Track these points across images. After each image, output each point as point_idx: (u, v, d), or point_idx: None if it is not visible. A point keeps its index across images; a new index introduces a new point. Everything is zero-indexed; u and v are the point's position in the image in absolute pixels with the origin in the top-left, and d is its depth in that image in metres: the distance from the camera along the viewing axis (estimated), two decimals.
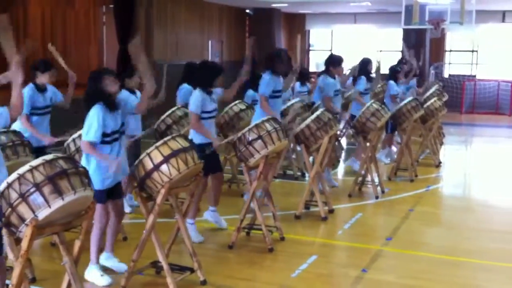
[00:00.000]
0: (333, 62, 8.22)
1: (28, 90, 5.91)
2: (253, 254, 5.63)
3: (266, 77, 6.77)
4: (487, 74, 20.36)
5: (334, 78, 8.17)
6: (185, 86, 7.55)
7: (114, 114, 4.61)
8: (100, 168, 4.51)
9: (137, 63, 4.64)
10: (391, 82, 10.03)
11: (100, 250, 5.17)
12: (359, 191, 8.13)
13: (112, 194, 4.72)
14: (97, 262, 4.82)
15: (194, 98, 5.72)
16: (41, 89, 6.07)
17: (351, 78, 9.67)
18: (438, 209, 7.89)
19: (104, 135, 4.53)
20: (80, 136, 5.44)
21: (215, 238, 6.10)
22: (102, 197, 4.57)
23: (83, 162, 4.55)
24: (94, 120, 4.47)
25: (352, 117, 8.72)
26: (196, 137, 5.63)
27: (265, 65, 6.90)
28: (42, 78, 6.03)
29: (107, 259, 5.03)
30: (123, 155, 4.71)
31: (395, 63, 12.15)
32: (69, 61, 15.78)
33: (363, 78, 9.06)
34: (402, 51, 14.09)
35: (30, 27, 15.64)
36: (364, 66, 9.23)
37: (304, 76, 11.19)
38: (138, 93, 6.48)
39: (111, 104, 4.59)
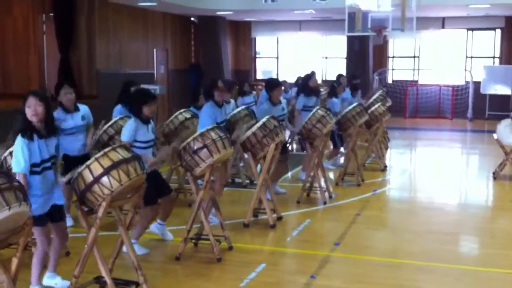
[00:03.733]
0: (268, 85, 7.89)
1: None
2: (201, 265, 5.53)
3: (205, 108, 6.70)
4: (428, 79, 20.92)
5: (274, 103, 7.73)
6: (118, 107, 7.23)
7: (44, 141, 4.38)
8: (31, 196, 4.21)
9: None
10: (333, 100, 10.02)
11: (44, 266, 4.99)
12: (307, 197, 8.15)
13: (53, 217, 4.54)
14: (39, 284, 4.63)
15: (126, 126, 5.49)
16: None
17: (294, 90, 9.68)
18: (384, 212, 8.00)
19: (33, 165, 4.31)
20: None
21: (161, 250, 5.98)
22: (39, 220, 4.33)
23: None
24: (19, 153, 4.25)
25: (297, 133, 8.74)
26: None
27: (205, 97, 6.78)
28: None
29: (49, 278, 4.85)
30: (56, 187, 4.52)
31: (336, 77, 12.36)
32: (7, 71, 15.29)
33: (301, 96, 8.97)
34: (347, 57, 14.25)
35: None
36: (303, 83, 9.18)
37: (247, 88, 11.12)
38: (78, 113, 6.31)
39: (35, 133, 4.34)
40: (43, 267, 4.98)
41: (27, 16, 14.61)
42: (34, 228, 4.22)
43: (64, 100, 6.17)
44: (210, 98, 6.81)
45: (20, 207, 3.43)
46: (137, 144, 5.42)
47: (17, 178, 4.13)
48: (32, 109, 4.32)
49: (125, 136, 5.43)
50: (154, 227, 6.19)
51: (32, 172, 4.33)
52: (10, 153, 5.33)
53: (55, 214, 4.54)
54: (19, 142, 4.28)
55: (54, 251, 4.75)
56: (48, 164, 4.41)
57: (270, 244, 6.42)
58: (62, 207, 4.66)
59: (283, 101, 8.11)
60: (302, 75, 9.71)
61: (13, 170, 4.28)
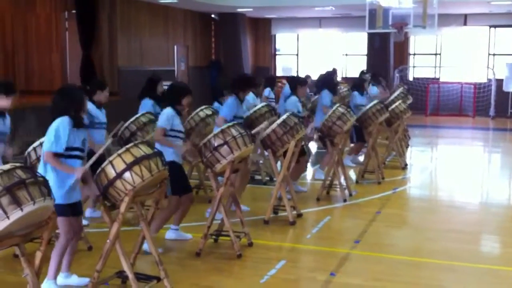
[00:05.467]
0: (301, 82, 8.27)
1: None
2: (221, 261, 5.56)
3: (229, 101, 6.75)
4: (450, 77, 20.73)
5: (298, 97, 8.17)
6: (146, 100, 7.53)
7: (78, 131, 4.52)
8: (60, 181, 4.40)
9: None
10: (355, 93, 10.08)
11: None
12: (327, 195, 8.14)
13: (74, 210, 4.60)
14: (55, 277, 4.65)
15: (163, 113, 5.72)
16: (2, 114, 5.47)
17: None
18: (405, 210, 7.96)
19: (67, 149, 4.42)
20: (41, 144, 5.32)
21: (182, 246, 6.01)
22: (64, 211, 4.43)
23: (40, 171, 4.43)
24: (61, 130, 4.38)
25: (316, 129, 8.86)
26: (167, 154, 5.54)
27: (232, 89, 6.84)
28: (4, 102, 5.35)
29: (66, 278, 4.85)
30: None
31: (360, 70, 12.27)
32: (31, 68, 15.51)
33: (326, 91, 9.00)
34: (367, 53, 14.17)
35: None
36: (328, 80, 9.23)
37: (273, 82, 11.20)
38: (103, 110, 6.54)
39: (79, 121, 4.53)
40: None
41: (49, 14, 14.78)
42: (58, 219, 4.29)
43: (104, 99, 6.47)
44: (237, 93, 6.84)
45: (45, 202, 3.47)
46: (172, 133, 5.65)
47: (47, 156, 4.38)
48: (86, 104, 4.63)
49: (162, 122, 5.66)
50: (170, 234, 6.14)
51: (63, 156, 4.42)
52: (34, 149, 5.44)
53: (76, 207, 4.61)
54: (65, 122, 4.43)
55: (69, 250, 4.75)
56: (77, 153, 4.51)
57: (290, 241, 6.43)
58: (80, 202, 4.73)
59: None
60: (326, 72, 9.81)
61: (48, 150, 4.40)
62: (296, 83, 8.23)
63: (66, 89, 4.80)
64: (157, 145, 5.64)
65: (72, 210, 4.56)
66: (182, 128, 5.81)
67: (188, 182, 5.97)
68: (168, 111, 5.69)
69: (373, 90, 11.40)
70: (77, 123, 4.51)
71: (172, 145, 5.62)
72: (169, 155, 5.53)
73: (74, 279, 4.87)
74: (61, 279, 4.79)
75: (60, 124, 4.41)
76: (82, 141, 4.55)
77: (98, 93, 6.42)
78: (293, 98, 8.09)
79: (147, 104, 7.53)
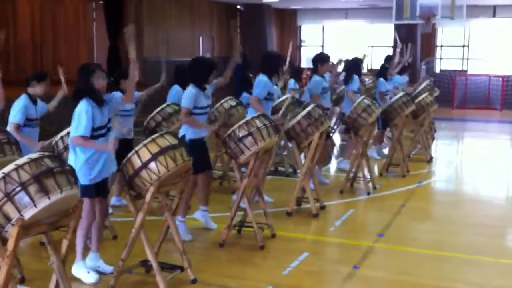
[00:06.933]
0: (320, 59, 8.06)
1: (22, 100, 5.74)
2: (244, 252, 5.59)
3: (262, 79, 6.65)
4: (478, 69, 20.43)
5: (323, 76, 8.10)
6: (175, 87, 7.52)
7: (101, 110, 4.60)
8: (88, 164, 4.50)
9: (129, 49, 4.77)
10: (381, 79, 10.03)
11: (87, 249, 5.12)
12: (350, 187, 8.11)
13: (98, 191, 4.68)
14: (82, 258, 4.77)
15: (186, 93, 5.71)
16: (34, 100, 5.87)
17: (343, 74, 9.67)
18: (430, 204, 7.89)
19: (91, 129, 4.51)
20: (68, 133, 5.40)
21: (205, 236, 6.06)
22: (90, 192, 4.55)
23: (70, 158, 4.51)
24: (83, 115, 4.45)
25: (343, 114, 8.76)
26: (188, 133, 5.61)
27: (261, 67, 6.78)
28: (37, 89, 5.85)
29: (93, 260, 4.94)
30: (109, 153, 4.66)
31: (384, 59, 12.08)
32: (59, 58, 15.69)
33: (356, 77, 8.98)
34: (394, 45, 14.05)
35: (19, 24, 15.52)
36: (356, 65, 9.20)
37: (298, 73, 11.18)
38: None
39: (98, 99, 4.59)
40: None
41: (77, 5, 14.93)
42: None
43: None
44: (267, 70, 6.74)
45: (72, 190, 3.52)
46: (196, 111, 5.67)
47: (74, 141, 4.48)
48: (103, 80, 4.62)
49: (186, 103, 5.66)
50: (198, 214, 6.24)
51: (93, 136, 4.50)
52: (62, 138, 5.51)
53: (101, 188, 4.68)
54: (85, 104, 4.49)
55: (96, 229, 4.85)
56: (103, 131, 4.59)
57: (313, 233, 6.43)
58: (107, 181, 4.80)
59: (326, 77, 8.26)
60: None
61: (75, 134, 4.48)
62: (317, 61, 8.03)
63: (82, 66, 4.76)
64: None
65: (97, 190, 4.64)
66: (206, 103, 5.76)
67: (209, 159, 6.00)
68: (191, 90, 5.68)
69: (399, 79, 11.26)
70: (98, 102, 4.56)
71: (201, 125, 5.68)
72: (190, 133, 5.63)
73: (101, 264, 4.96)
74: (88, 260, 4.89)
75: (83, 109, 4.48)
76: (102, 117, 4.59)
77: (124, 82, 6.48)
78: (316, 78, 8.00)
79: (174, 90, 7.51)
